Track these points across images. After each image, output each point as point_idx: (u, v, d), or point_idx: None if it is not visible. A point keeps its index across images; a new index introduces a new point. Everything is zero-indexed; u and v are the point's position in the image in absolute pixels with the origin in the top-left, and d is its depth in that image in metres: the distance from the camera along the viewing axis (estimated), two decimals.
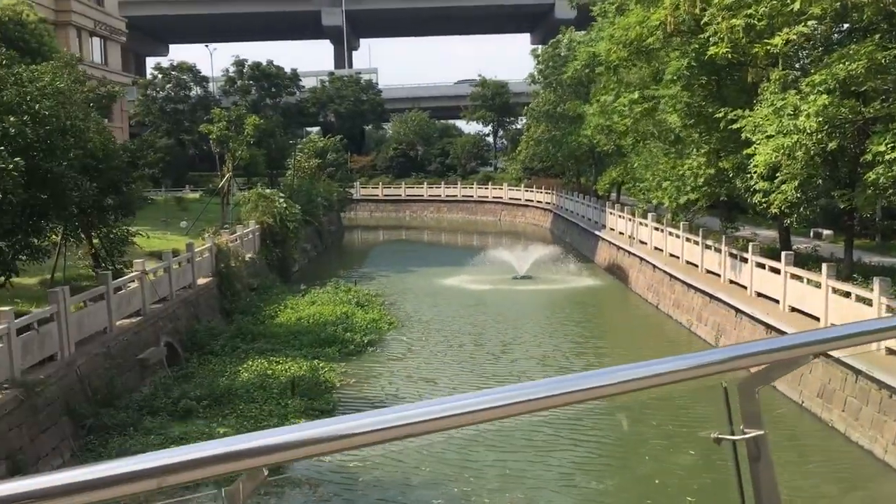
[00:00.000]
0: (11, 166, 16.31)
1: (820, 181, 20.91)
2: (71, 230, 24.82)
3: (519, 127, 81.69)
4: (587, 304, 33.55)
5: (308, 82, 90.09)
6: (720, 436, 1.97)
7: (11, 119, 17.15)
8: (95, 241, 26.52)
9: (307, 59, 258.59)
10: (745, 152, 20.39)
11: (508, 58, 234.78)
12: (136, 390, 20.26)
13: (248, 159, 45.14)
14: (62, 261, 24.99)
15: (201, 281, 28.63)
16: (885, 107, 17.81)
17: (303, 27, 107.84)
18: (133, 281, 22.93)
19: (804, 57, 23.88)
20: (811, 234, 35.37)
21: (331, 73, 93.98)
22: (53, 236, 23.77)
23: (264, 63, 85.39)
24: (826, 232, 34.90)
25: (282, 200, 39.63)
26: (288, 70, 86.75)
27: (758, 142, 19.15)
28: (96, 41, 52.60)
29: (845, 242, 23.79)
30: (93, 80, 37.13)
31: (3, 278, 18.61)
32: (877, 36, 18.31)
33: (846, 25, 21.34)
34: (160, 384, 20.66)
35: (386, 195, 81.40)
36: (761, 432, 1.94)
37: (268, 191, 40.92)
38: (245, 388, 20.43)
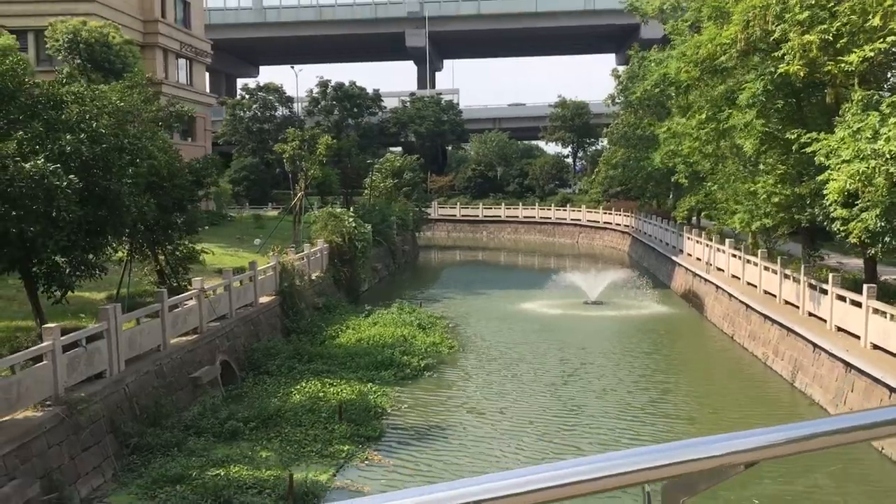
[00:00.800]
0: (65, 183, 16.49)
1: None
2: (136, 247, 25.23)
3: (598, 148, 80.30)
4: (658, 333, 32.18)
5: (390, 102, 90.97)
6: None
7: (68, 137, 17.39)
8: (161, 257, 26.88)
9: (393, 79, 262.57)
10: (819, 179, 19.03)
11: (597, 79, 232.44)
12: (187, 409, 20.22)
13: (322, 178, 45.42)
14: (129, 277, 25.41)
15: (264, 299, 28.68)
16: None
17: (387, 48, 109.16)
18: (191, 299, 23.05)
19: (893, 76, 22.33)
20: None
21: (412, 94, 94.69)
22: (120, 253, 24.21)
23: (347, 84, 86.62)
24: None
25: (351, 220, 39.63)
26: (370, 91, 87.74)
27: (832, 167, 17.80)
28: (182, 62, 54.17)
29: None
30: (168, 98, 38.06)
31: (59, 293, 18.84)
32: None
33: None
34: (209, 404, 20.57)
35: (463, 215, 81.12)
36: None
37: (338, 210, 41.04)
38: (294, 411, 20.16)
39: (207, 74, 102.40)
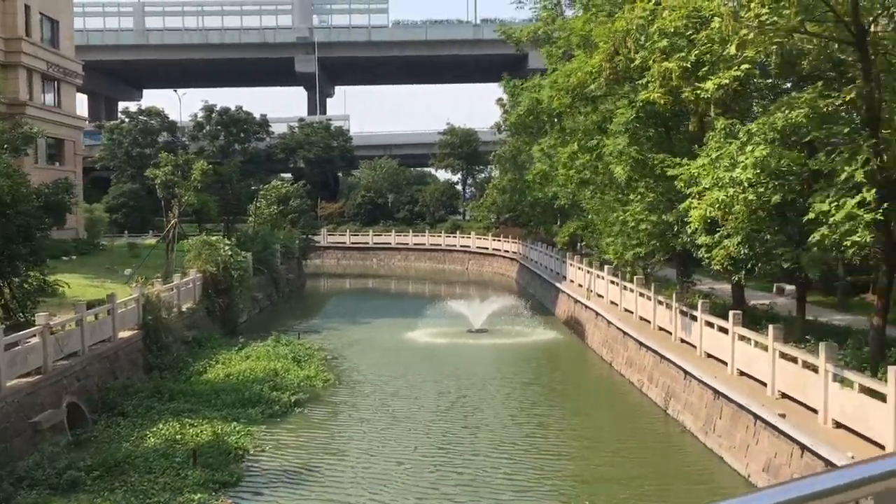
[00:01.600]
0: None
1: (768, 236, 19.60)
2: None
3: (487, 175, 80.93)
4: (539, 361, 31.96)
5: (278, 128, 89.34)
6: None
7: None
8: (6, 290, 24.77)
9: (285, 104, 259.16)
10: (681, 206, 19.17)
11: (491, 107, 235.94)
12: (22, 459, 18.37)
13: (198, 205, 43.57)
14: None
15: (124, 334, 26.83)
16: (830, 160, 16.59)
17: (277, 73, 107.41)
18: (34, 335, 21.15)
19: (756, 106, 22.87)
20: (774, 289, 34.09)
21: (301, 120, 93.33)
22: None
23: (233, 109, 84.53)
24: (789, 287, 33.52)
25: (227, 248, 38.02)
26: (257, 116, 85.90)
27: (693, 195, 17.92)
28: (50, 83, 51.25)
29: (798, 301, 22.51)
30: (26, 119, 35.65)
31: None
32: (820, 83, 17.21)
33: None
34: (48, 452, 18.77)
35: (353, 242, 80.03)
36: None
37: (213, 238, 39.32)
38: (145, 457, 18.60)
39: (85, 97, 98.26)
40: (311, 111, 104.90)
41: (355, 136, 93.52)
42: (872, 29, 17.88)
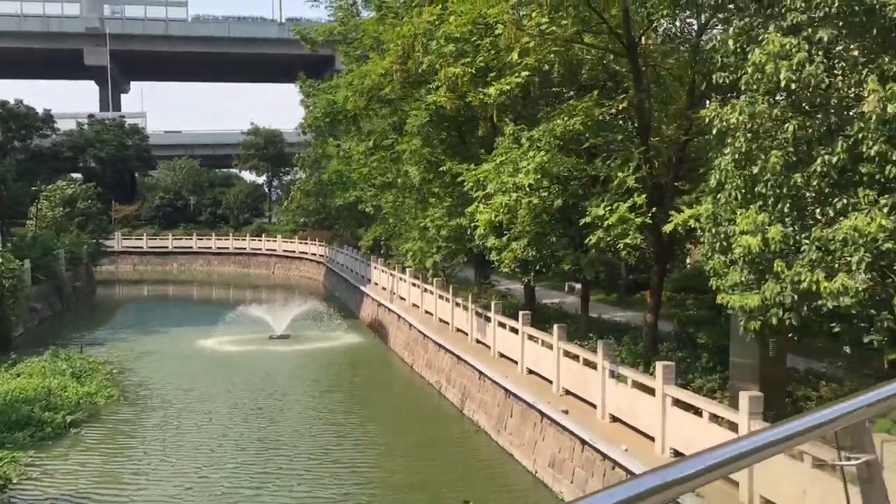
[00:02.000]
0: None
1: (553, 239, 20.28)
2: None
3: (293, 177, 79.40)
4: (341, 367, 31.49)
5: (66, 124, 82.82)
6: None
7: None
8: None
9: (76, 99, 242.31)
10: (468, 210, 19.49)
11: (296, 108, 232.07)
12: None
13: None
14: None
15: None
16: (606, 166, 17.39)
17: (64, 66, 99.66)
18: None
19: (542, 113, 23.62)
20: (566, 288, 35.61)
21: (90, 116, 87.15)
22: None
23: (12, 102, 77.39)
24: (578, 286, 35.23)
25: None
26: (40, 110, 79.18)
27: (479, 199, 18.23)
28: None
29: (582, 300, 23.51)
30: None
31: None
32: (596, 92, 18.01)
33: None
34: None
35: (151, 247, 75.80)
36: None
37: None
38: None
39: None
40: (104, 107, 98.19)
41: (155, 136, 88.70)
42: (644, 42, 18.97)
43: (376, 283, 41.53)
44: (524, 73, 17.64)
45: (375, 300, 39.58)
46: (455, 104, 19.87)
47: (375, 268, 41.76)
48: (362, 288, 43.73)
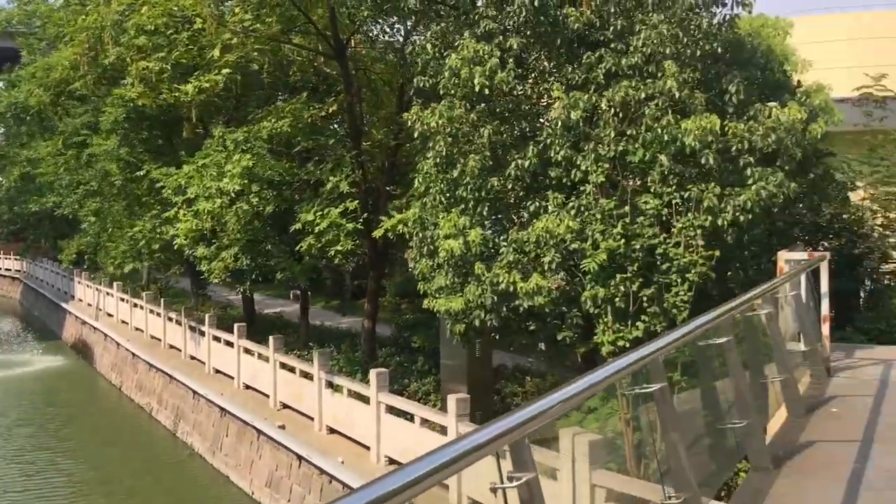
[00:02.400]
0: None
1: (269, 246, 19.39)
2: None
3: None
4: (35, 396, 27.98)
5: None
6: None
7: None
8: None
9: None
10: (165, 216, 18.10)
11: None
12: None
13: None
14: None
15: None
16: (318, 170, 16.88)
17: None
18: None
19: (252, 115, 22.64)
20: (291, 296, 34.67)
21: None
22: None
23: None
24: None
25: None
26: None
27: (178, 205, 16.94)
28: None
29: (301, 308, 22.87)
30: None
31: None
32: (305, 93, 17.48)
33: None
34: None
35: None
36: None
37: None
38: None
39: None
40: None
41: None
42: (353, 44, 18.75)
43: (80, 300, 37.78)
44: (225, 71, 16.60)
45: (79, 318, 35.98)
46: (153, 102, 18.29)
47: (80, 282, 37.98)
48: (64, 305, 39.60)
